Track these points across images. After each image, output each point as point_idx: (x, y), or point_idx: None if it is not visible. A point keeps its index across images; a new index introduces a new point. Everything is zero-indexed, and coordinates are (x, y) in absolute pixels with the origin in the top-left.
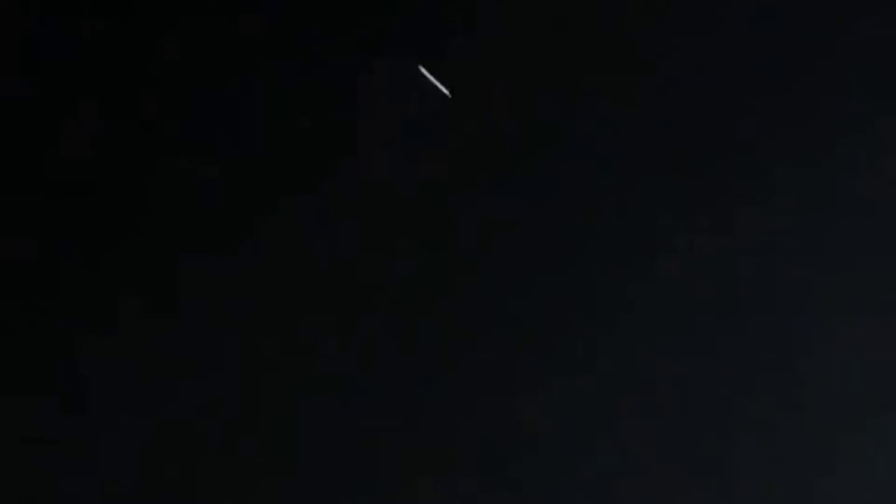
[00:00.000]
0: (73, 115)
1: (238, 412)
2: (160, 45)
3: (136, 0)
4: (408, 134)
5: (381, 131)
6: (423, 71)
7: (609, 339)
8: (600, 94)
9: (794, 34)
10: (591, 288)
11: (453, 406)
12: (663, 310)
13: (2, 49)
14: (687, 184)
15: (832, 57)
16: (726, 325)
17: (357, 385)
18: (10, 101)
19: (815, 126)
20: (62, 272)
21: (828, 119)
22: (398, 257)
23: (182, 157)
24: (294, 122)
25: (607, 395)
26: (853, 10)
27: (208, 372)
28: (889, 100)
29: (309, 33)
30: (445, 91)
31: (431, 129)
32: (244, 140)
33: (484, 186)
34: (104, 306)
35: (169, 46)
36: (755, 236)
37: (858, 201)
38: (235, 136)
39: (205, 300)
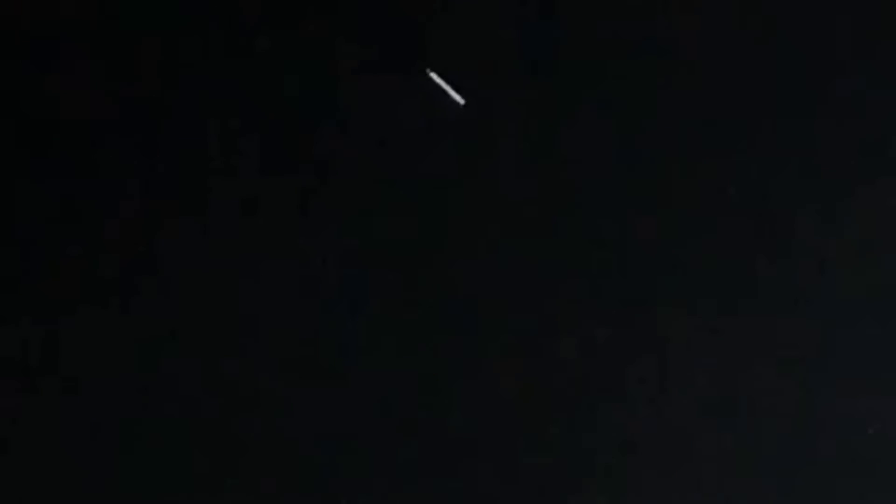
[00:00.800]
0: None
1: (236, 411)
2: (162, 44)
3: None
4: (409, 134)
5: (383, 132)
6: (434, 77)
7: (611, 339)
8: (601, 94)
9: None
10: (592, 289)
11: (453, 407)
12: (666, 311)
13: None
14: (689, 183)
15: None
16: (726, 324)
17: (356, 385)
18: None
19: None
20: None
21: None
22: (397, 257)
23: (181, 157)
24: (296, 122)
25: (608, 395)
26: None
27: (206, 371)
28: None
29: (314, 35)
30: (458, 98)
31: (432, 129)
32: (242, 140)
33: (485, 186)
34: (101, 302)
35: (171, 46)
36: (768, 237)
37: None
38: (233, 136)
39: (204, 300)
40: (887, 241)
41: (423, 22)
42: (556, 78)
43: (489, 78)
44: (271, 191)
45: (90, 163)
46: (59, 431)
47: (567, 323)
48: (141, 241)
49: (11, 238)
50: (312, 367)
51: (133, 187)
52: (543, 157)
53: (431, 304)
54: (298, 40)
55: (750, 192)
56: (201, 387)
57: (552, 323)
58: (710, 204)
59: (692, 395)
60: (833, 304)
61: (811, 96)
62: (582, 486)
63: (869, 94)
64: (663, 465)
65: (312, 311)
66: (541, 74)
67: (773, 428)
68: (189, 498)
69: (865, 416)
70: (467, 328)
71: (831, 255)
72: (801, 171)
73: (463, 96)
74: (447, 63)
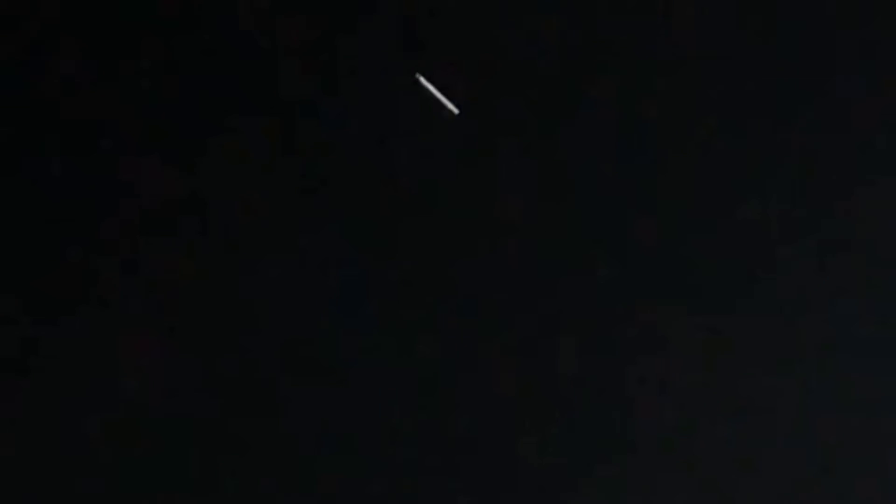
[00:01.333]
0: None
1: (236, 411)
2: (162, 44)
3: None
4: (408, 133)
5: (382, 132)
6: (424, 82)
7: (611, 339)
8: (601, 94)
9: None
10: (592, 289)
11: (453, 407)
12: (666, 311)
13: None
14: (689, 183)
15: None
16: (726, 324)
17: (356, 385)
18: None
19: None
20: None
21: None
22: (397, 257)
23: (181, 157)
24: (295, 122)
25: (608, 395)
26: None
27: (206, 371)
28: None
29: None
30: (451, 106)
31: (432, 129)
32: (242, 140)
33: (485, 186)
34: (101, 301)
35: (171, 45)
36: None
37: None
38: (234, 136)
39: (204, 300)
40: (887, 241)
41: (423, 22)
42: (556, 78)
43: (488, 79)
44: (271, 190)
45: (90, 163)
46: (60, 431)
47: (567, 323)
48: (141, 241)
49: (11, 238)
50: (312, 367)
51: (132, 187)
52: (543, 157)
53: (431, 304)
54: (298, 40)
55: (749, 192)
56: (201, 387)
57: (552, 323)
58: (710, 204)
59: (692, 395)
60: (833, 304)
61: (811, 96)
62: (582, 486)
63: (869, 94)
64: (663, 465)
65: (312, 311)
66: (541, 74)
67: (773, 428)
68: (189, 498)
69: (865, 416)
70: (467, 328)
71: (831, 255)
72: (801, 171)
73: (461, 96)
74: (445, 63)
